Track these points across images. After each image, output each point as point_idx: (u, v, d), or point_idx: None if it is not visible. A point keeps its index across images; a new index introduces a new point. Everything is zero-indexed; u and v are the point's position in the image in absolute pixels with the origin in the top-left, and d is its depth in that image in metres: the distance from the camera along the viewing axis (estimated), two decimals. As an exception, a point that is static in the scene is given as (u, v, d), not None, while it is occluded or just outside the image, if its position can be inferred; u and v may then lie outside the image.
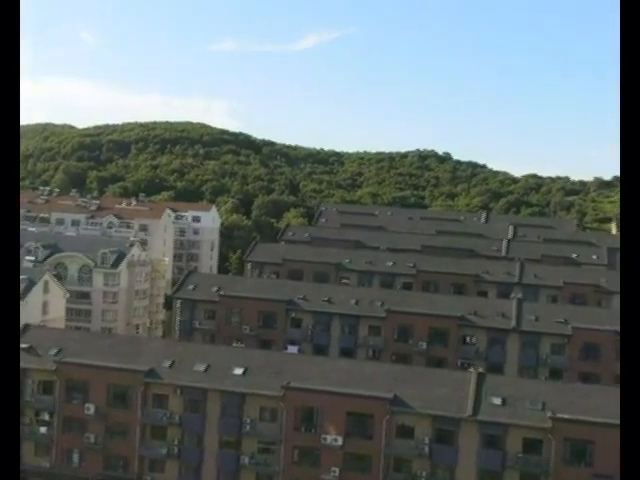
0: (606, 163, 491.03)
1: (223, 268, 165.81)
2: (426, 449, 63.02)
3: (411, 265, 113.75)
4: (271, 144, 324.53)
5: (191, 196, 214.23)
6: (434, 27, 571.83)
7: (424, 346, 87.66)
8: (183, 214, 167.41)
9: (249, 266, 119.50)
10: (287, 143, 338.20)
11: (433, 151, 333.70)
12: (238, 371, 68.92)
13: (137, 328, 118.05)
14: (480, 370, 71.38)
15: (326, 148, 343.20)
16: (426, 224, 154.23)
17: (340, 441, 64.19)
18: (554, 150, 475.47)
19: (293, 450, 65.72)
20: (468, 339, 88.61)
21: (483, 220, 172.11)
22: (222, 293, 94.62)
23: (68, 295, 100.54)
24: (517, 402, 63.94)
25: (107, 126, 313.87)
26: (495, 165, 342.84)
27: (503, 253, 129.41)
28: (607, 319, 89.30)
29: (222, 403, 67.16)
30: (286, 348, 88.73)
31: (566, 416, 61.25)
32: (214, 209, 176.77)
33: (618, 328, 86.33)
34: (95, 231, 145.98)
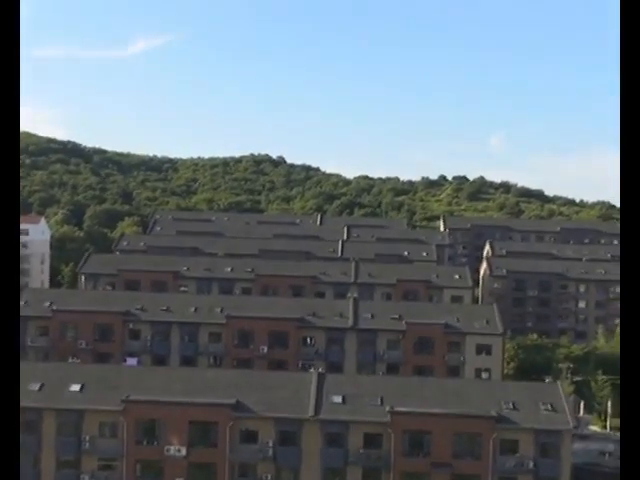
0: (432, 164, 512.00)
1: (56, 282, 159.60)
2: (270, 452, 63.29)
3: (249, 270, 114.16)
4: (102, 152, 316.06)
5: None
6: (264, 32, 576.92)
7: (265, 350, 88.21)
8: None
9: (83, 278, 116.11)
10: (118, 150, 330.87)
11: (267, 155, 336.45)
12: (75, 387, 66.56)
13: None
14: (320, 370, 72.69)
15: (159, 155, 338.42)
16: (263, 228, 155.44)
17: (184, 451, 63.38)
18: (383, 151, 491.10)
19: (135, 464, 64.23)
20: (308, 340, 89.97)
21: (318, 222, 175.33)
22: (55, 308, 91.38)
23: None
24: (357, 399, 65.42)
25: None
26: (328, 168, 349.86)
27: (339, 254, 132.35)
28: (438, 313, 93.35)
29: (59, 422, 64.63)
30: (125, 361, 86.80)
31: (403, 409, 63.36)
32: (43, 221, 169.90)
33: (448, 321, 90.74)
34: None
